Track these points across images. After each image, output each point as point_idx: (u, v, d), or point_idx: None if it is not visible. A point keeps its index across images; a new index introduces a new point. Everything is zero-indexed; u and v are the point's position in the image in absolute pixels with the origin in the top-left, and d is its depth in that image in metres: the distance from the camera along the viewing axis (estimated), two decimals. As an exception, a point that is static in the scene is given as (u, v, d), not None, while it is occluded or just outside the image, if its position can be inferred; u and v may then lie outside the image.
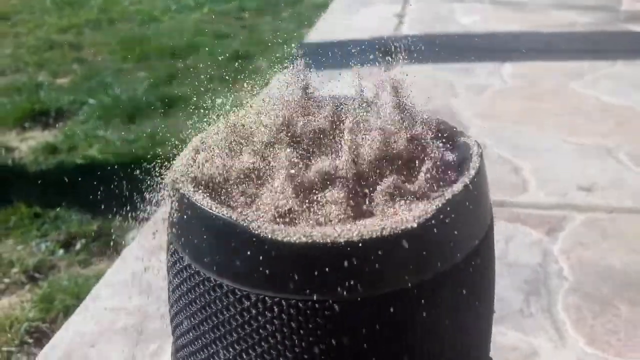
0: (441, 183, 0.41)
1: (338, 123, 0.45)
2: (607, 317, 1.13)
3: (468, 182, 0.39)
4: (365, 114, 0.46)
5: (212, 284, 0.39)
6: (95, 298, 1.22)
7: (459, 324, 0.42)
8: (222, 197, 0.42)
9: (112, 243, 1.73)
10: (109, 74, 2.81)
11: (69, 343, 1.10)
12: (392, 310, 0.37)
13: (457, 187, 0.38)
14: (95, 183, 2.09)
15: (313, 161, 0.42)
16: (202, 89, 3.10)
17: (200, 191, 0.41)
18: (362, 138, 0.42)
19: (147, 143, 2.51)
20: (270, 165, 0.42)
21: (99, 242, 1.71)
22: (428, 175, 0.41)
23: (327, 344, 0.37)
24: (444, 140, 0.45)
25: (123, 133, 2.62)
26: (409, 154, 0.43)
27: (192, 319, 0.43)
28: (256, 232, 0.36)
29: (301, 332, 0.37)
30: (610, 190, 1.54)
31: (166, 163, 0.61)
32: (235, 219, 0.37)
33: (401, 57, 0.50)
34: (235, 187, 0.43)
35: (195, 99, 3.23)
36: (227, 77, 2.96)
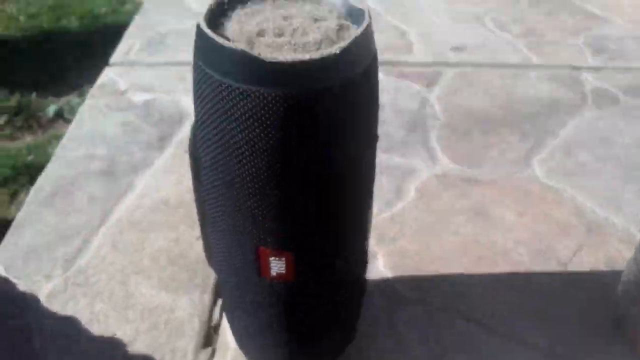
0: (347, 32, 0.72)
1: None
2: (465, 144, 1.53)
3: (363, 30, 0.70)
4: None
5: (224, 85, 0.67)
6: (64, 149, 1.45)
7: (368, 119, 0.75)
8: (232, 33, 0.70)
9: (34, 116, 1.89)
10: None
11: (53, 184, 1.35)
12: (334, 97, 0.68)
13: (357, 33, 0.69)
14: (6, 60, 2.16)
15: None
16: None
17: (226, 35, 0.68)
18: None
19: (51, 16, 2.55)
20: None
21: (22, 117, 1.86)
22: (341, 29, 0.72)
23: (297, 125, 0.67)
24: (346, 9, 0.76)
25: (23, 7, 2.62)
26: (325, 19, 0.73)
27: (210, 113, 0.71)
28: (257, 56, 0.65)
29: (278, 114, 0.67)
30: (476, 50, 1.92)
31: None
32: (244, 50, 0.65)
33: None
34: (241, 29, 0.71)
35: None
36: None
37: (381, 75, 0.75)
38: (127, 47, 1.88)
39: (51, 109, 1.85)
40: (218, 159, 0.74)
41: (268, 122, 0.67)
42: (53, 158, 1.42)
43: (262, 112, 0.66)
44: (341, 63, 0.67)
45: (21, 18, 2.53)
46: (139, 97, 1.64)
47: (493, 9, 2.15)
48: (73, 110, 1.79)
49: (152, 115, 1.58)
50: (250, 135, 0.68)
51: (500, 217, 1.30)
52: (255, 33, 0.70)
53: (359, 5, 0.73)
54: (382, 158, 1.46)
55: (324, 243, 0.81)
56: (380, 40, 0.79)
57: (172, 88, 1.68)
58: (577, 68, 1.83)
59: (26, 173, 1.59)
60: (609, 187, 1.39)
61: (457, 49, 1.92)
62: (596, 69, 1.83)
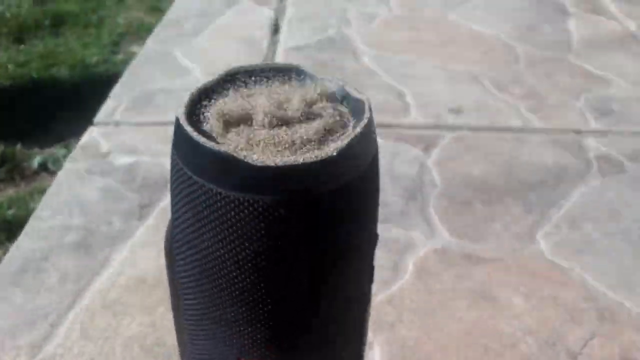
0: (345, 128, 0.64)
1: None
2: (466, 214, 1.45)
3: (364, 126, 0.61)
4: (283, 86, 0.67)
5: (205, 189, 0.58)
6: (38, 219, 1.36)
7: (373, 213, 0.66)
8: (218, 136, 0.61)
9: (18, 167, 1.83)
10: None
11: (23, 259, 1.25)
12: (329, 203, 0.59)
13: (357, 130, 0.61)
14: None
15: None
16: (91, 4, 3.04)
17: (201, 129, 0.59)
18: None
19: (41, 64, 2.50)
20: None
21: (5, 168, 1.79)
22: (338, 125, 0.64)
23: (285, 230, 0.59)
24: (345, 98, 0.67)
25: (13, 55, 2.57)
26: (320, 112, 0.65)
27: (187, 216, 0.62)
28: (243, 159, 0.56)
29: (265, 220, 0.57)
30: (474, 112, 1.86)
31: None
32: (227, 152, 0.56)
33: None
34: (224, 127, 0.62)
35: (85, 15, 3.17)
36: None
37: (378, 140, 0.67)
38: (112, 105, 1.81)
39: (36, 161, 1.80)
40: (195, 266, 0.64)
41: (254, 232, 0.58)
42: (25, 229, 1.32)
43: (247, 220, 0.57)
44: (339, 165, 0.58)
45: (9, 66, 2.48)
46: (122, 160, 1.56)
47: (491, 68, 2.10)
48: (58, 162, 1.73)
49: (135, 181, 1.49)
50: (233, 244, 0.59)
51: (506, 301, 1.20)
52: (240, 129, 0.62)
53: (358, 95, 0.65)
54: (379, 229, 1.38)
55: (314, 354, 0.71)
56: (377, 101, 0.72)
57: (158, 150, 1.60)
58: (580, 132, 1.77)
59: (5, 229, 1.51)
60: (619, 265, 1.30)
61: (455, 111, 1.86)
62: (599, 133, 1.77)
